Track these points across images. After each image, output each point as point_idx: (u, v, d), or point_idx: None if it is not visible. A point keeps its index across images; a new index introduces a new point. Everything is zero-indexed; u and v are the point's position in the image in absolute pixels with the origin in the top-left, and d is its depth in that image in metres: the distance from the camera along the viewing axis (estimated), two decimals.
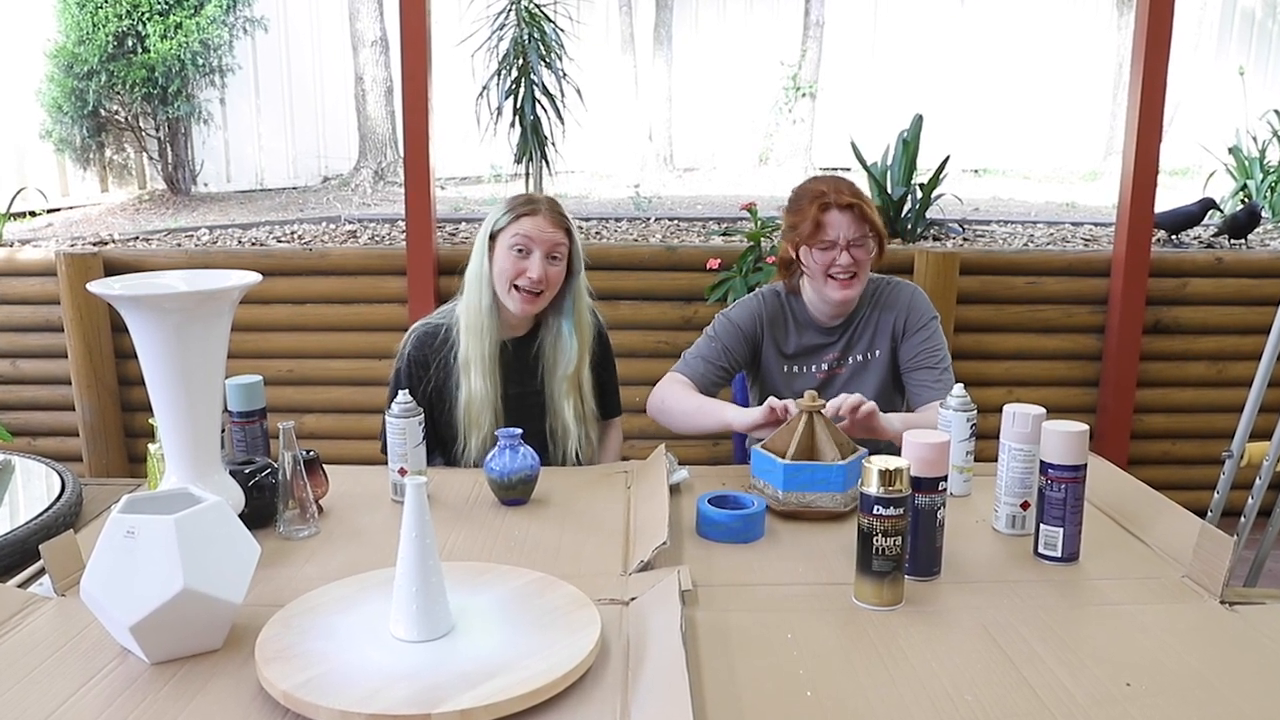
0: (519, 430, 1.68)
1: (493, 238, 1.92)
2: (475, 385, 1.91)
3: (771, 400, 1.76)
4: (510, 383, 1.97)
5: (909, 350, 2.02)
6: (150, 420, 1.42)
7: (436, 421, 1.98)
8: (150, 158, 6.09)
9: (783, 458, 1.60)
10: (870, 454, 1.38)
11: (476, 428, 1.93)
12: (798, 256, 2.01)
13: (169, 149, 5.95)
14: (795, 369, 2.08)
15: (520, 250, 1.89)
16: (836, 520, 1.58)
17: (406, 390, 1.68)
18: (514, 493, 1.66)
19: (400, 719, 0.99)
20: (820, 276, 1.97)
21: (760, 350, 2.09)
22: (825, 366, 2.07)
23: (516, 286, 1.90)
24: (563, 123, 4.23)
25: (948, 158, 4.00)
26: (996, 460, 1.52)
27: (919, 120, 4.05)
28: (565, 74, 4.21)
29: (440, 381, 1.96)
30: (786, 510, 1.59)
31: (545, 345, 1.99)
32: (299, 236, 4.28)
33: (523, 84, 4.05)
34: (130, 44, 5.60)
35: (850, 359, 2.06)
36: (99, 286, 1.29)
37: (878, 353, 2.05)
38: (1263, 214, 3.86)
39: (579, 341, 1.97)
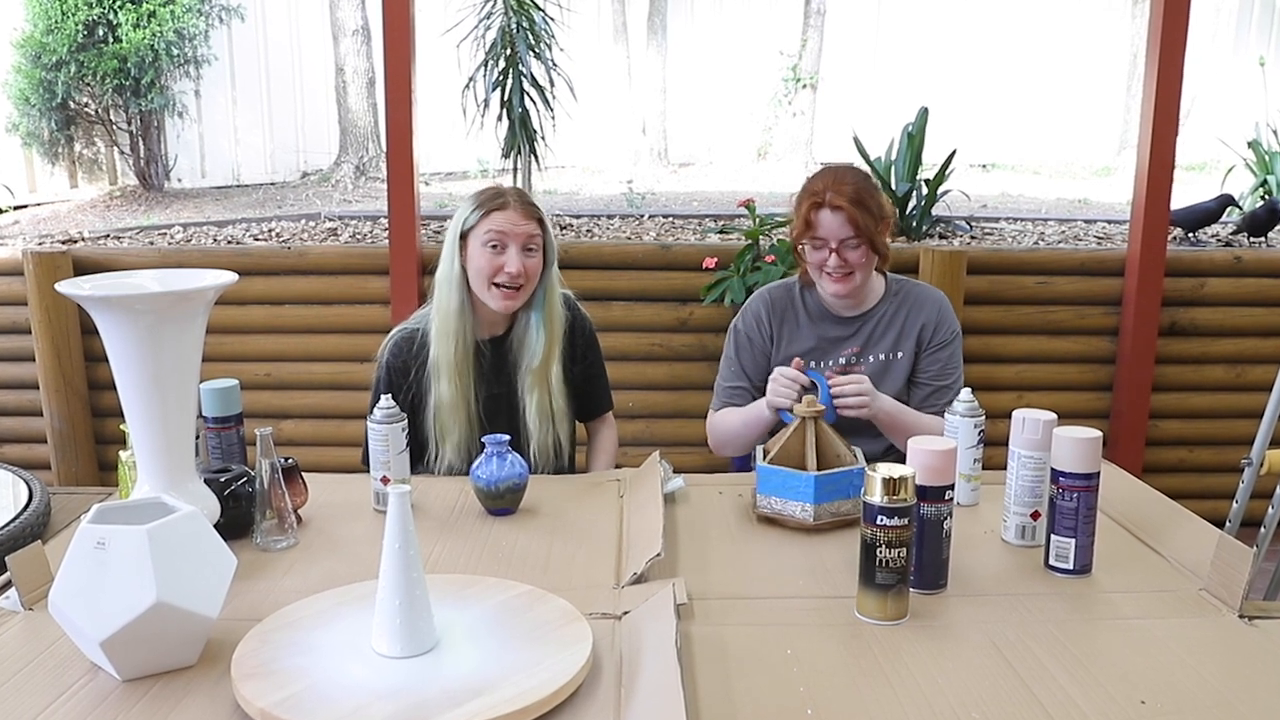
0: (507, 436, 1.66)
1: (463, 237, 1.90)
2: (444, 390, 1.89)
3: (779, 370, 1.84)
4: (488, 384, 1.95)
5: (929, 363, 2.03)
6: (122, 426, 1.42)
7: (418, 430, 1.95)
8: (122, 152, 6.02)
9: (802, 470, 1.56)
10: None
11: (448, 434, 1.91)
12: (798, 250, 2.05)
13: (141, 143, 5.88)
14: (811, 365, 2.06)
15: (495, 246, 1.87)
16: (848, 528, 1.54)
17: (389, 395, 1.64)
18: (502, 502, 1.63)
19: None
20: (816, 272, 2.01)
21: (775, 351, 2.08)
22: (843, 360, 2.06)
23: (495, 284, 1.88)
24: (552, 115, 4.19)
25: (954, 152, 3.96)
26: (1005, 468, 1.51)
27: (924, 113, 4.03)
28: (555, 65, 4.17)
29: (421, 388, 1.94)
30: (820, 525, 1.54)
31: (515, 340, 1.97)
32: (277, 234, 4.23)
33: (511, 75, 4.01)
34: (101, 33, 5.52)
35: (870, 357, 2.05)
36: (68, 286, 1.30)
37: (900, 355, 2.05)
38: None
39: (548, 335, 1.94)
